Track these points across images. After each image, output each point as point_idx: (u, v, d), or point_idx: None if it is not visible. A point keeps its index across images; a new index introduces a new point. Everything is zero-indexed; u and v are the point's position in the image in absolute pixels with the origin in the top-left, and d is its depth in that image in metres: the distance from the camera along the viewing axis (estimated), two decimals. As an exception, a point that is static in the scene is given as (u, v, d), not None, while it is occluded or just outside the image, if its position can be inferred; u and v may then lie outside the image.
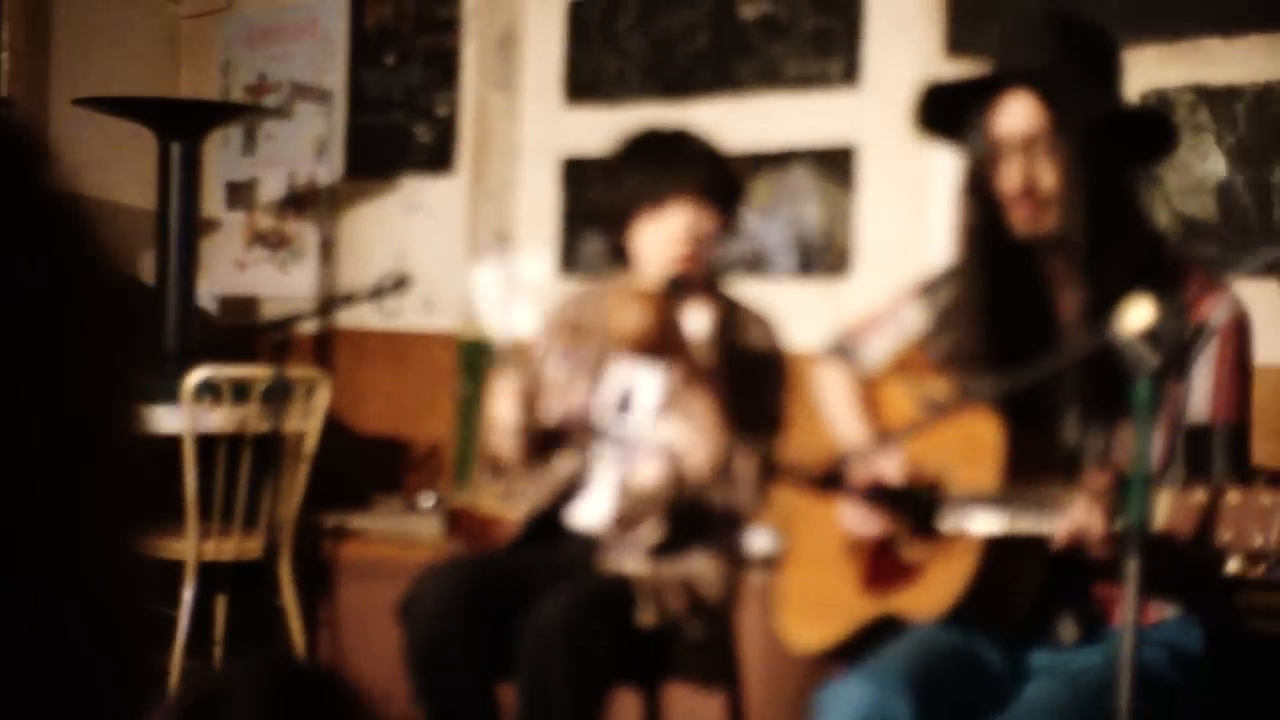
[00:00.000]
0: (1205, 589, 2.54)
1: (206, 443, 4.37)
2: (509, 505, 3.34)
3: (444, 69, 5.38)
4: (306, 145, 5.74)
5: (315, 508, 4.78)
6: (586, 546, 3.20)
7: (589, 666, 2.93)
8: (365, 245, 5.56)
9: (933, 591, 2.55)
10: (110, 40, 5.84)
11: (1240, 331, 2.44)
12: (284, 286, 5.77)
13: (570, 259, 5.01)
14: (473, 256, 5.18)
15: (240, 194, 5.94)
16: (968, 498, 2.52)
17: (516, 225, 5.16)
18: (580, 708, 2.94)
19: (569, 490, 3.26)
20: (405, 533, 4.80)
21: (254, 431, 4.37)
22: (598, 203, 3.21)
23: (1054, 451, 2.50)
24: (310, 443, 4.54)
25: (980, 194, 2.54)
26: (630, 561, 3.14)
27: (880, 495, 2.65)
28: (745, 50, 4.70)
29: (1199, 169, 3.86)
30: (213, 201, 5.90)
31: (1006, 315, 2.57)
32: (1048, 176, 2.47)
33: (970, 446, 2.53)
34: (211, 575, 4.66)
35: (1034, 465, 2.48)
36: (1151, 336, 1.95)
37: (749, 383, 3.13)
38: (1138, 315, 1.97)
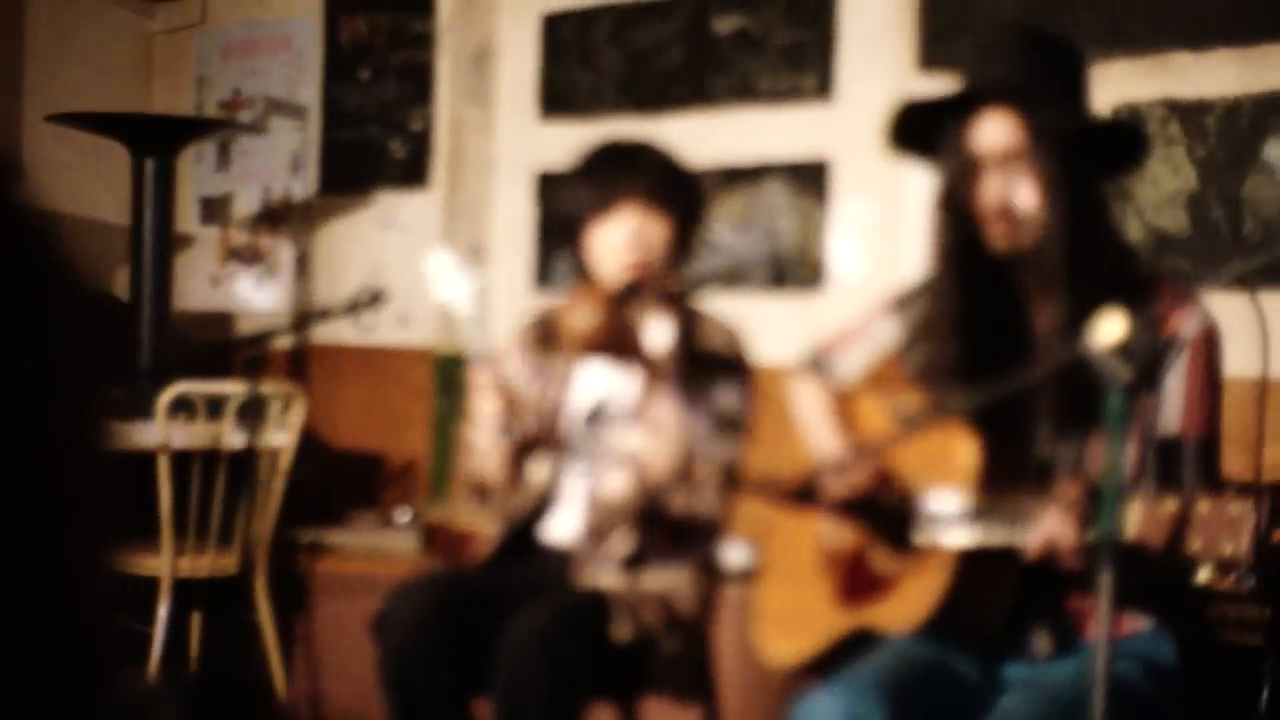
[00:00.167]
0: (1177, 599, 2.56)
1: (181, 459, 4.35)
2: (485, 521, 3.34)
3: (418, 84, 5.38)
4: (281, 160, 5.73)
5: (291, 523, 4.77)
6: (560, 561, 3.21)
7: (565, 681, 2.93)
8: (340, 260, 5.56)
9: (907, 604, 2.56)
10: (84, 56, 5.83)
11: (1210, 344, 2.45)
12: (259, 302, 5.77)
13: (545, 273, 5.01)
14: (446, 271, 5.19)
15: (215, 209, 5.94)
16: (941, 511, 2.52)
17: (491, 240, 5.16)
18: None
19: (542, 505, 3.27)
20: (381, 548, 4.79)
21: (229, 447, 4.36)
22: (556, 212, 3.25)
23: (1027, 464, 2.51)
24: (285, 458, 4.53)
25: (956, 210, 2.54)
26: (604, 575, 3.15)
27: (855, 508, 2.66)
28: (719, 65, 4.71)
29: (1170, 182, 3.88)
30: (187, 217, 5.89)
31: (981, 330, 2.58)
32: (1026, 193, 2.48)
33: (944, 459, 2.54)
34: (187, 592, 4.64)
35: (1007, 478, 2.48)
36: (1123, 350, 1.96)
37: (712, 389, 3.15)
38: (1109, 329, 1.98)
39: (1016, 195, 2.48)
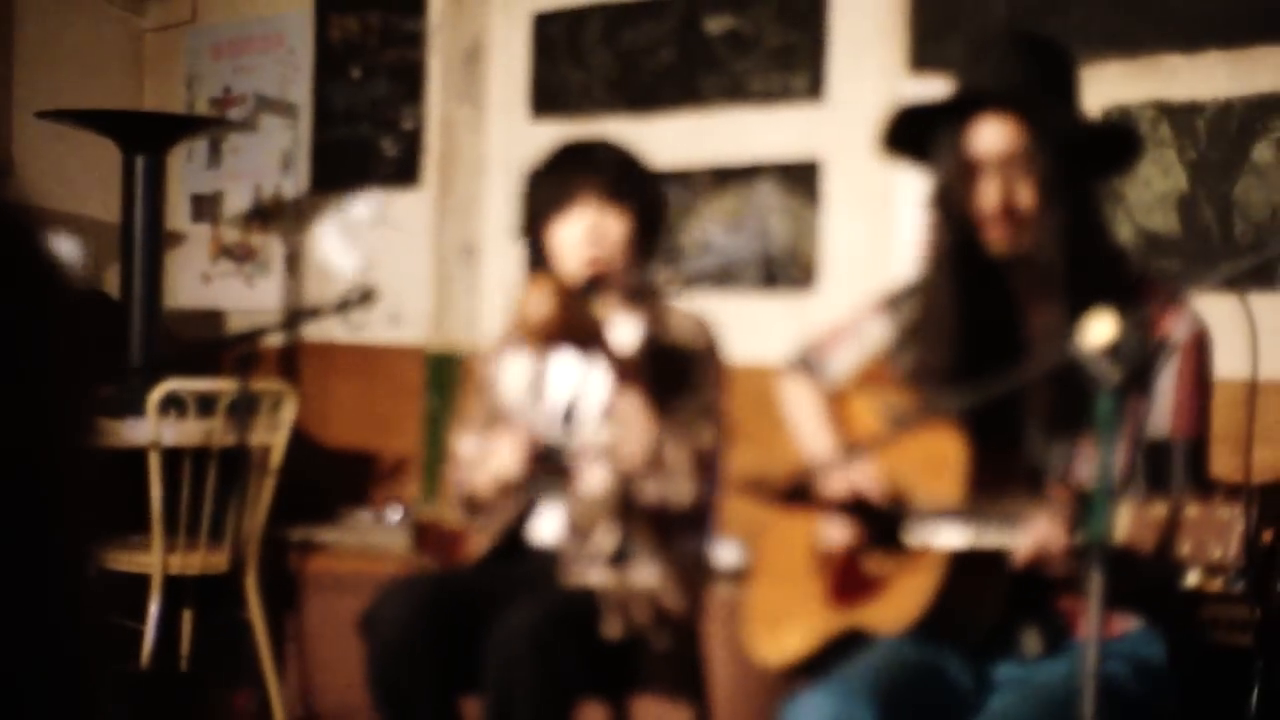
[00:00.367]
0: (1166, 601, 2.56)
1: (172, 456, 4.35)
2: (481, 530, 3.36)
3: (409, 83, 5.38)
4: (272, 158, 5.73)
5: (282, 521, 4.77)
6: (548, 561, 3.22)
7: (555, 679, 2.93)
8: (331, 258, 5.56)
9: (898, 605, 2.57)
10: (74, 53, 5.82)
11: (1201, 347, 2.46)
12: (250, 299, 5.76)
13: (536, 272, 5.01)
14: (440, 269, 5.19)
15: (205, 207, 5.93)
16: (932, 512, 2.53)
17: (482, 238, 5.17)
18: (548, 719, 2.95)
19: (529, 507, 3.28)
20: (372, 546, 4.79)
21: (220, 445, 4.36)
22: (520, 212, 3.28)
23: (1017, 466, 2.51)
24: (276, 456, 4.53)
25: (952, 212, 2.55)
26: (592, 573, 3.16)
27: (846, 509, 2.67)
28: (711, 65, 4.72)
29: (1161, 184, 3.89)
30: (178, 214, 5.88)
31: (974, 331, 2.58)
32: (1025, 196, 2.48)
33: (934, 460, 2.55)
34: (178, 589, 4.64)
35: (997, 479, 2.49)
36: (1113, 352, 1.97)
37: (680, 378, 3.17)
38: (1099, 330, 1.98)
39: (1015, 198, 2.48)
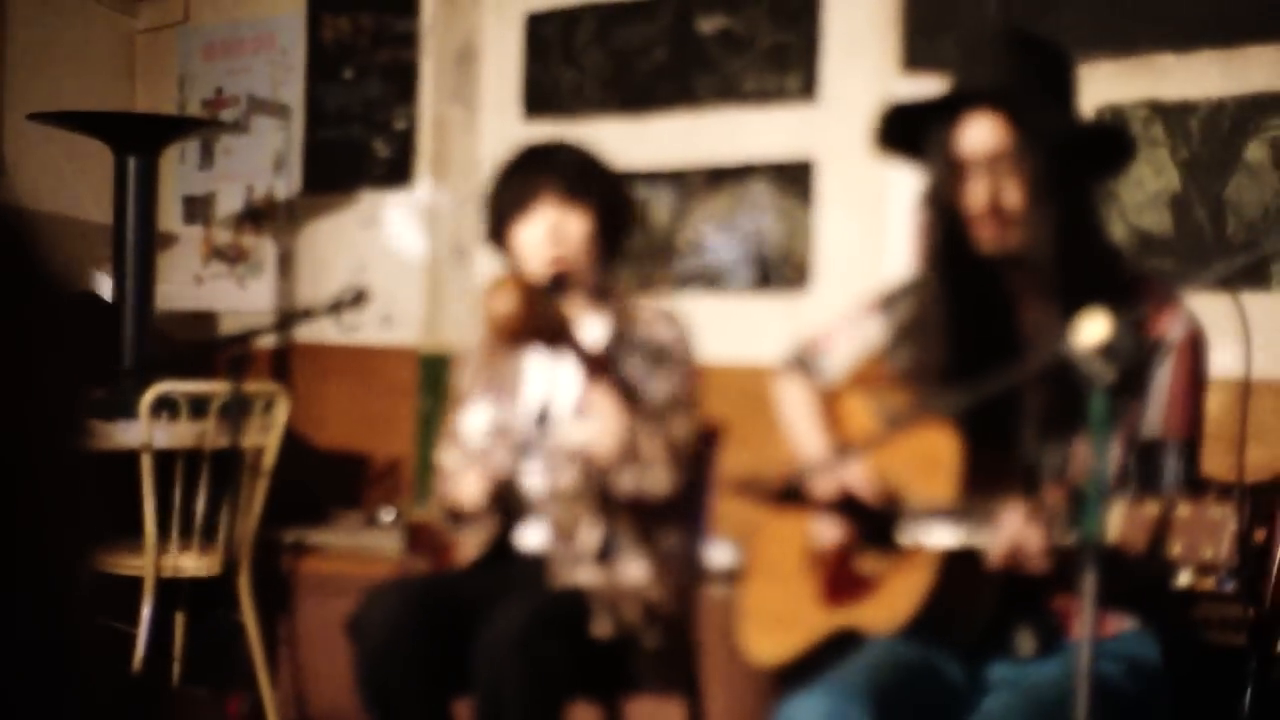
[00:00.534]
0: (1159, 601, 2.56)
1: (165, 458, 4.34)
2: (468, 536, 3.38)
3: (402, 83, 5.38)
4: (264, 159, 5.72)
5: (275, 523, 4.76)
6: (536, 563, 3.23)
7: (544, 679, 2.94)
8: (324, 260, 5.55)
9: (891, 604, 2.56)
10: (65, 54, 5.81)
11: (1196, 348, 2.46)
12: (242, 301, 5.76)
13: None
14: (432, 270, 5.18)
15: (197, 208, 5.92)
16: (925, 511, 2.53)
17: (475, 240, 5.16)
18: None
19: (513, 516, 3.30)
20: (365, 548, 4.79)
21: (212, 447, 4.35)
22: (484, 217, 3.32)
23: (1012, 465, 2.51)
24: (269, 458, 4.52)
25: (943, 211, 2.55)
26: (581, 572, 3.17)
27: (837, 508, 2.67)
28: (704, 65, 4.72)
29: (1153, 183, 3.89)
30: (170, 216, 5.87)
31: (968, 331, 2.58)
32: (1013, 195, 2.48)
33: (929, 460, 2.55)
34: (170, 592, 4.63)
35: (991, 479, 2.49)
36: (1107, 351, 1.97)
37: (649, 371, 3.19)
38: (1093, 330, 1.98)
39: (1003, 197, 2.48)
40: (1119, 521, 2.12)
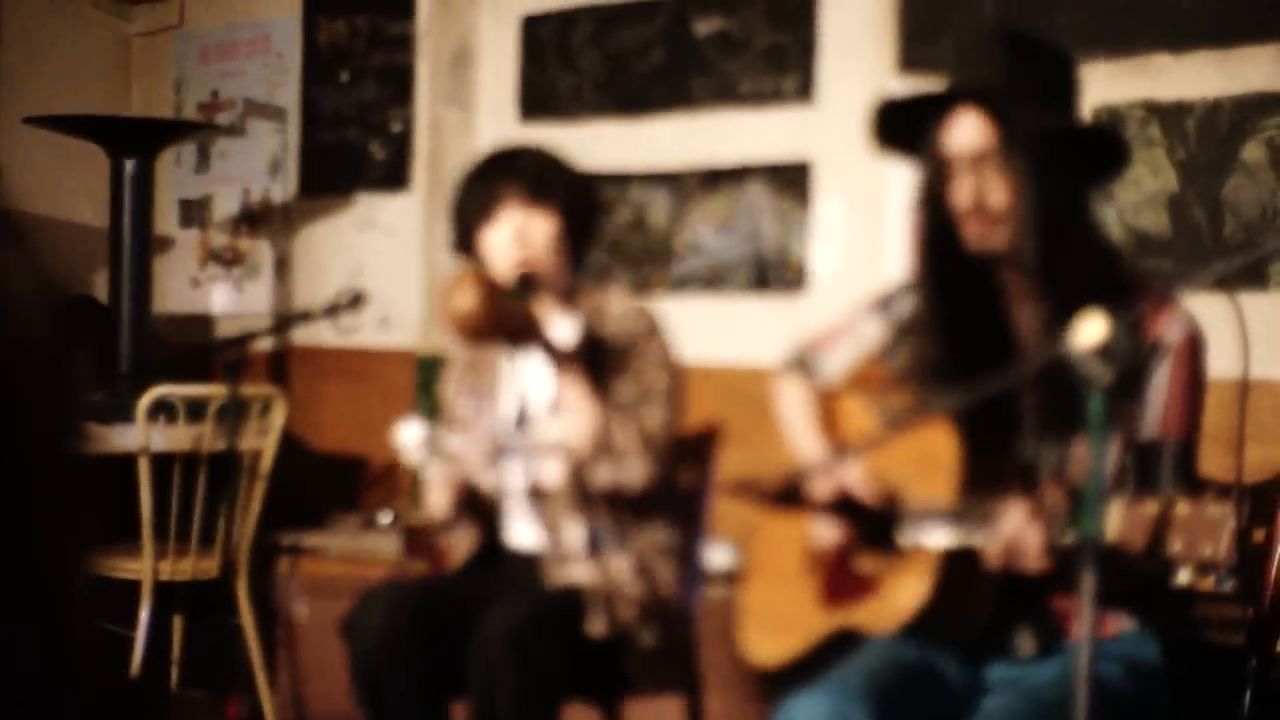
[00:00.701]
0: (1158, 601, 2.56)
1: (162, 462, 4.34)
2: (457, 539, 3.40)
3: (398, 85, 5.37)
4: (260, 162, 5.72)
5: (272, 526, 4.76)
6: (529, 563, 3.24)
7: (538, 678, 2.94)
8: (320, 263, 5.55)
9: (890, 605, 2.56)
10: (61, 57, 5.81)
11: (1194, 349, 2.46)
12: (239, 304, 5.75)
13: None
14: (429, 272, 5.18)
15: (194, 212, 5.92)
16: (924, 511, 2.53)
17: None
18: None
19: (500, 515, 3.31)
20: (363, 550, 4.79)
21: (210, 450, 4.35)
22: (451, 225, 3.34)
23: (1011, 466, 2.51)
24: (266, 461, 4.52)
25: (934, 210, 2.55)
26: (573, 570, 3.17)
27: (834, 508, 2.66)
28: (700, 66, 4.71)
29: (1150, 184, 3.89)
30: (166, 219, 5.87)
31: (962, 330, 2.58)
32: (998, 193, 2.48)
33: (928, 460, 2.55)
34: (168, 595, 4.63)
35: (990, 479, 2.49)
36: (1104, 352, 1.96)
37: (621, 364, 3.21)
38: (1090, 330, 1.98)
39: (988, 195, 2.48)
40: (1118, 520, 2.12)
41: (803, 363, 2.93)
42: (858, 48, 4.41)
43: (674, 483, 3.34)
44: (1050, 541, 2.31)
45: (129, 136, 5.11)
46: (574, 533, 3.19)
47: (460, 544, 3.35)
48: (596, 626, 3.10)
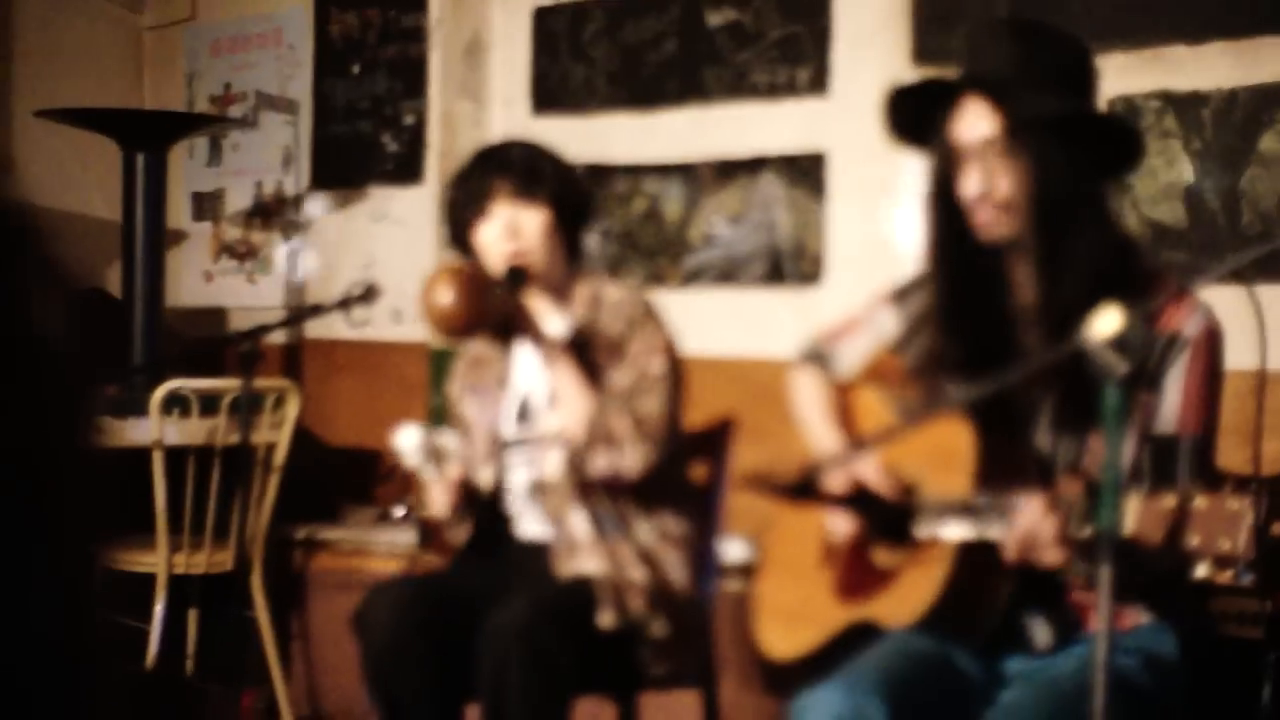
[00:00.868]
0: (1175, 594, 2.55)
1: (176, 455, 4.35)
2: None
3: (410, 78, 5.37)
4: (273, 155, 5.72)
5: (286, 520, 4.76)
6: (539, 556, 3.24)
7: (547, 671, 2.94)
8: (333, 255, 5.55)
9: (906, 598, 2.56)
10: (73, 51, 5.81)
11: (1212, 343, 2.44)
12: (251, 297, 5.75)
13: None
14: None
15: (207, 205, 5.92)
16: (940, 504, 2.52)
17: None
18: (542, 715, 2.95)
19: (503, 507, 3.31)
20: (377, 544, 4.79)
21: (223, 443, 4.35)
22: (445, 224, 3.35)
23: (1027, 458, 2.50)
24: (280, 454, 4.52)
25: (944, 199, 2.54)
26: (582, 562, 3.17)
27: (847, 501, 2.66)
28: (713, 58, 4.70)
29: (1166, 175, 3.88)
30: (179, 213, 5.87)
31: (972, 319, 2.57)
32: (1004, 182, 2.48)
33: (944, 453, 2.54)
34: (183, 588, 4.63)
35: (1006, 472, 2.48)
36: (1120, 343, 1.96)
37: (616, 351, 3.22)
38: (1105, 322, 1.97)
39: (996, 184, 2.48)
40: (1135, 514, 2.11)
41: (818, 355, 2.92)
42: (872, 38, 4.40)
43: (680, 470, 3.34)
44: (1066, 534, 2.30)
45: (141, 130, 5.12)
46: (579, 523, 3.19)
47: (457, 536, 3.36)
48: (606, 618, 3.10)
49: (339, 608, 4.64)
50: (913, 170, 3.24)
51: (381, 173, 5.44)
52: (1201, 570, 2.12)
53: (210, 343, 5.64)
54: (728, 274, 4.67)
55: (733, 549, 3.86)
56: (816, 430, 2.85)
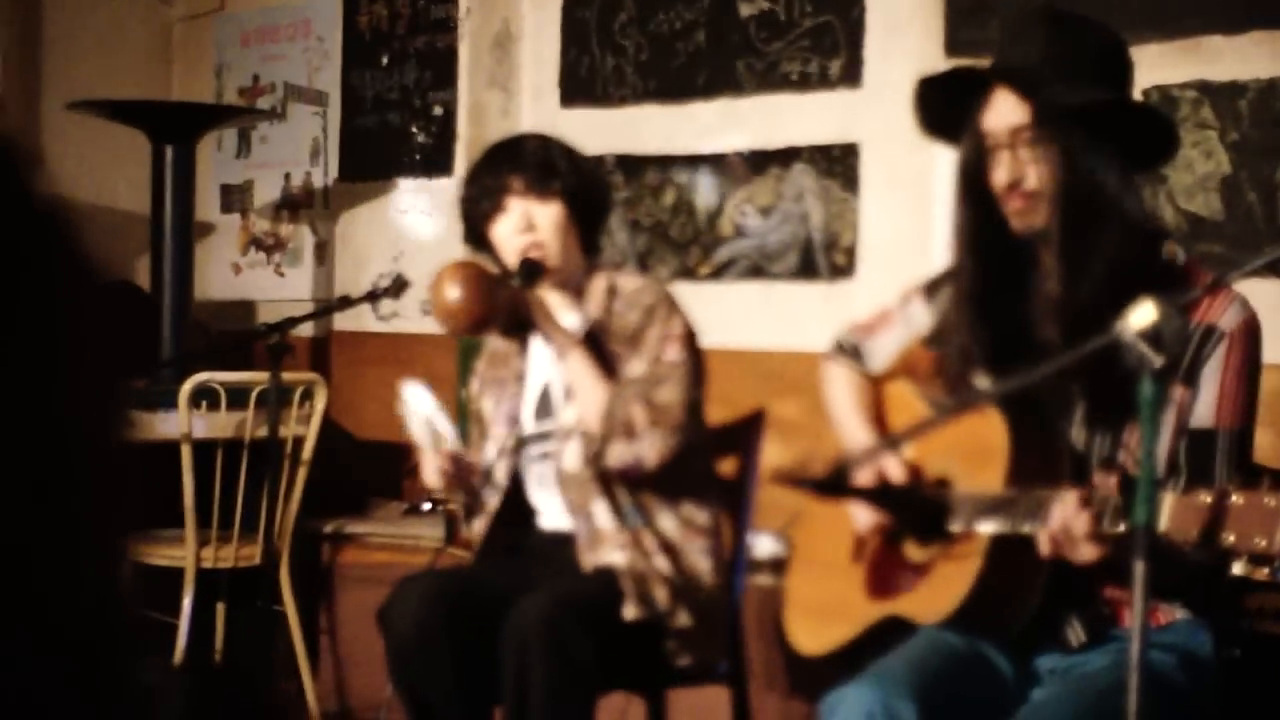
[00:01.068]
0: (1211, 591, 2.53)
1: (204, 448, 4.35)
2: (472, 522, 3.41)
3: (439, 69, 5.36)
4: (301, 147, 5.72)
5: (314, 513, 4.76)
6: (563, 550, 3.22)
7: (570, 664, 2.93)
8: (362, 247, 5.54)
9: (939, 594, 2.53)
10: (102, 43, 5.82)
11: (1249, 336, 2.42)
12: (280, 290, 5.75)
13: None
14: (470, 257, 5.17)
15: (235, 197, 5.92)
16: (973, 498, 2.50)
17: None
18: (565, 710, 2.94)
19: (518, 499, 3.33)
20: (405, 537, 4.78)
21: (252, 437, 4.35)
22: (461, 221, 3.34)
23: (1061, 453, 2.48)
24: (308, 447, 4.52)
25: (975, 190, 2.52)
26: (606, 554, 3.16)
27: (885, 497, 2.63)
28: (745, 49, 4.68)
29: (1202, 166, 3.85)
30: (207, 205, 5.88)
31: (998, 310, 2.55)
32: (1034, 172, 2.46)
33: (978, 447, 2.51)
34: (211, 582, 4.64)
35: (1040, 466, 2.46)
36: (1155, 336, 1.94)
37: (637, 340, 3.21)
38: (1140, 314, 1.95)
39: (1025, 174, 2.46)
40: (1170, 510, 2.09)
41: (851, 348, 2.90)
42: (905, 29, 4.37)
43: (703, 460, 3.32)
44: (1100, 530, 2.27)
45: (170, 122, 5.12)
46: (601, 513, 3.18)
47: (475, 528, 3.36)
48: (630, 611, 3.09)
49: (367, 602, 4.63)
50: (946, 162, 3.22)
51: (410, 164, 5.43)
52: (1237, 567, 2.10)
53: (238, 335, 5.64)
54: (759, 266, 4.64)
55: (762, 544, 3.84)
56: (849, 424, 2.83)
